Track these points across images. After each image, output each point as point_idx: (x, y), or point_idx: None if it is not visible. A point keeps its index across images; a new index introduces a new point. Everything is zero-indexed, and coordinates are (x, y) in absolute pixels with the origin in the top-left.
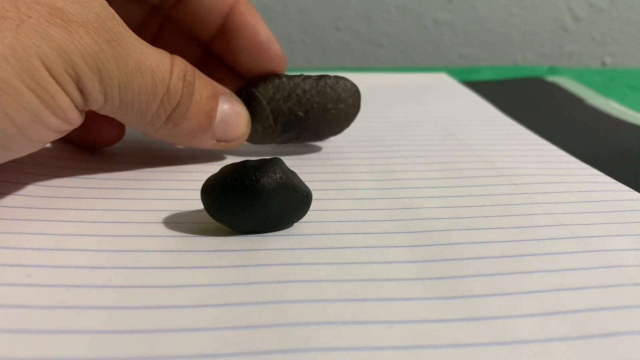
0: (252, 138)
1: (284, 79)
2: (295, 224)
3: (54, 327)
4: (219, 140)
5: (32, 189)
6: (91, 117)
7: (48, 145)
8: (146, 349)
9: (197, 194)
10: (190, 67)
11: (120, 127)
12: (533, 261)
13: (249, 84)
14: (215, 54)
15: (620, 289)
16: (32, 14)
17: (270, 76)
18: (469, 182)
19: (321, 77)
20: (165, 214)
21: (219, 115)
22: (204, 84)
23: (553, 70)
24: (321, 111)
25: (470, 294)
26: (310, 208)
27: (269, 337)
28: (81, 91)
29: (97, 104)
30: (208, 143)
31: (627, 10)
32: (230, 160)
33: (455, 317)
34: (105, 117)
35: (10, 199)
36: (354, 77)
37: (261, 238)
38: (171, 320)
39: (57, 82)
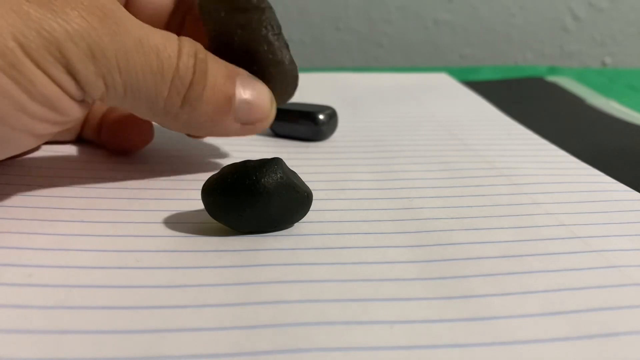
0: None
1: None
2: (296, 224)
3: (54, 327)
4: (243, 124)
5: (32, 188)
6: (119, 122)
7: (50, 145)
8: (147, 349)
9: (198, 194)
10: (201, 47)
11: (148, 130)
12: (533, 261)
13: None
14: None
15: (620, 289)
16: None
17: None
18: (469, 182)
19: None
20: (166, 214)
21: (238, 95)
22: (218, 64)
23: (553, 70)
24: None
25: (471, 294)
26: (311, 208)
27: (270, 337)
28: (73, 76)
29: (97, 90)
30: (233, 128)
31: (627, 10)
32: (231, 160)
33: (456, 317)
34: (134, 121)
35: (10, 199)
36: (354, 77)
37: (262, 238)
38: (172, 320)
39: (38, 65)
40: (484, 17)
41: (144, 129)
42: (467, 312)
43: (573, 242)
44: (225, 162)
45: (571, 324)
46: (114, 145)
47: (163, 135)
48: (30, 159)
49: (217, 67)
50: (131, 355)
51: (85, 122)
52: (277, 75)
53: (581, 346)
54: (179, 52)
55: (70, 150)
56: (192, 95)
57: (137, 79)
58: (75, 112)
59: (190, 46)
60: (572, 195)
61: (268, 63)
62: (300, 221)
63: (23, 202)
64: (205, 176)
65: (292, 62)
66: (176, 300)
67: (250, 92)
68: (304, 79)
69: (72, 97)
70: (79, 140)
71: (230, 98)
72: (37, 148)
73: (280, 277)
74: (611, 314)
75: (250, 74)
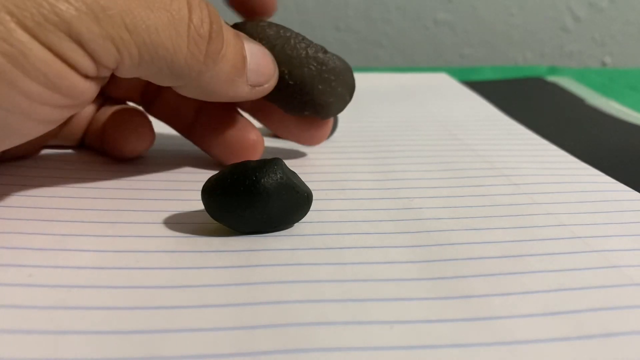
0: None
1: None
2: (296, 224)
3: (54, 328)
4: (253, 86)
5: (32, 189)
6: (119, 127)
7: (51, 149)
8: (147, 349)
9: (198, 194)
10: (209, 3)
11: (148, 135)
12: (533, 261)
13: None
14: None
15: (620, 289)
16: None
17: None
18: (469, 182)
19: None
20: (166, 215)
21: (247, 55)
22: (225, 24)
23: (553, 70)
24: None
25: (471, 294)
26: (311, 208)
27: (270, 337)
28: (79, 43)
29: (110, 56)
30: (245, 91)
31: (627, 10)
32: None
33: (456, 317)
34: (134, 126)
35: (10, 199)
36: (354, 77)
37: (262, 238)
38: (172, 320)
39: (34, 36)
40: (484, 17)
41: (144, 134)
42: (467, 312)
43: (573, 242)
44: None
45: (571, 324)
46: (114, 151)
47: (163, 135)
48: (30, 159)
49: (227, 26)
50: (131, 355)
51: (87, 128)
52: (339, 83)
53: (581, 346)
54: (188, 4)
55: (71, 152)
56: (213, 49)
57: (150, 36)
58: (81, 91)
59: (199, 1)
60: (572, 195)
61: (324, 78)
62: (300, 221)
63: (23, 202)
64: (205, 176)
65: (343, 65)
66: (176, 300)
67: (256, 52)
68: None
69: (80, 72)
70: (80, 146)
71: (244, 57)
72: (38, 150)
73: (280, 278)
74: (611, 314)
75: (247, 36)
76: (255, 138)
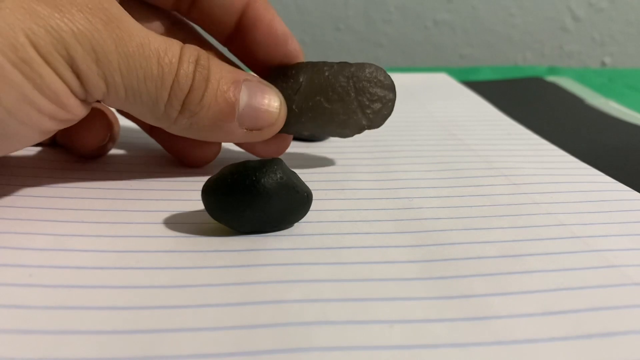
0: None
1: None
2: (296, 224)
3: (55, 328)
4: (249, 129)
5: (33, 189)
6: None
7: (48, 146)
8: (147, 349)
9: (198, 195)
10: (204, 53)
11: (102, 129)
12: (533, 261)
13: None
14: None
15: (620, 289)
16: None
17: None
18: (469, 182)
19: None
20: (166, 215)
21: (244, 100)
22: (223, 69)
23: (553, 70)
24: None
25: (471, 294)
26: (311, 208)
27: (270, 336)
28: (77, 75)
29: (98, 91)
30: (238, 133)
31: (627, 10)
32: (231, 160)
33: (456, 316)
34: (85, 119)
35: (10, 199)
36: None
37: (262, 238)
38: (172, 320)
39: (47, 62)
40: (484, 17)
41: (96, 129)
42: (467, 312)
43: (573, 242)
44: (225, 162)
45: (571, 324)
46: (72, 147)
47: None
48: (29, 159)
49: (221, 73)
50: (131, 355)
51: None
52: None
53: (581, 346)
54: (180, 58)
55: (70, 152)
56: (191, 101)
57: (138, 83)
58: (79, 110)
59: (192, 53)
60: (572, 195)
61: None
62: (300, 221)
63: (23, 202)
64: (205, 176)
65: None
66: (176, 300)
67: (257, 97)
68: None
69: (75, 95)
70: (53, 144)
71: (233, 104)
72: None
73: (280, 277)
74: (611, 314)
75: (261, 80)
76: None
